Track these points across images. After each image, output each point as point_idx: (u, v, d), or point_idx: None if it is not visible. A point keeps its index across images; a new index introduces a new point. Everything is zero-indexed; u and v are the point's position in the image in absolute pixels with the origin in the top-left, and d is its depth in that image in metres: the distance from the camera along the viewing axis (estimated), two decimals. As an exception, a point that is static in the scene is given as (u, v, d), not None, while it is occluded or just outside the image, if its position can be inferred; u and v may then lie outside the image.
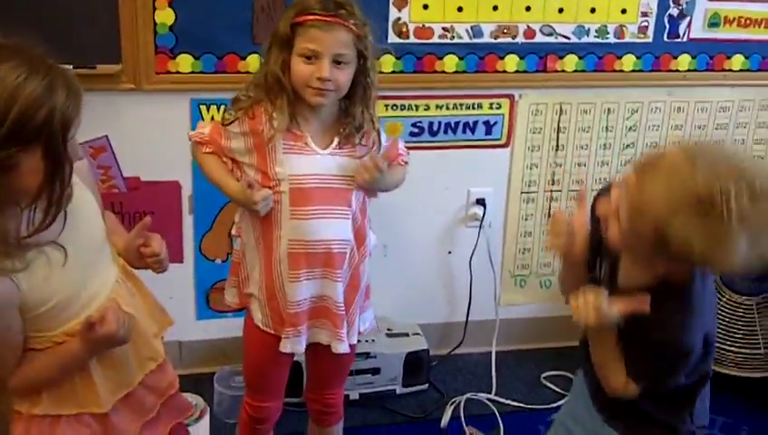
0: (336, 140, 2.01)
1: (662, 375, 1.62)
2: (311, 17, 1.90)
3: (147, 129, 2.56)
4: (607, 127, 2.93)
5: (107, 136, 2.53)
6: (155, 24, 2.45)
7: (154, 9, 2.44)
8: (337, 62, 1.92)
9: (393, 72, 2.66)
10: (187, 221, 2.72)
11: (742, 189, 1.39)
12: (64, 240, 1.55)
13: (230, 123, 2.00)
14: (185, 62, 2.50)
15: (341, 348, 2.12)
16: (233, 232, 2.17)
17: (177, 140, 2.56)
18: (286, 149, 1.97)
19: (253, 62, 2.49)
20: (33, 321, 1.56)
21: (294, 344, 2.10)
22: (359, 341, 2.58)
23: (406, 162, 2.21)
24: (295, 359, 2.21)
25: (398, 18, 2.62)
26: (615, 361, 1.64)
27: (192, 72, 2.51)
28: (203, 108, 2.57)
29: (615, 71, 2.84)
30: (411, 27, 2.64)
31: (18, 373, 1.59)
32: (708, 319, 1.64)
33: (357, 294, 2.13)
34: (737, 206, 1.38)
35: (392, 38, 2.63)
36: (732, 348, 2.83)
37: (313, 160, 1.99)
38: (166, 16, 2.45)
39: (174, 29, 2.46)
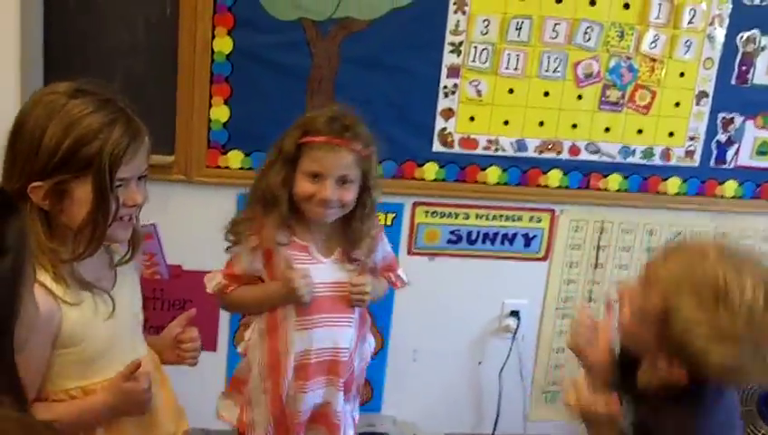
0: (339, 250, 2.18)
1: None
2: (317, 139, 2.07)
3: (193, 219, 2.81)
4: (648, 248, 3.10)
5: (154, 224, 2.78)
6: (209, 120, 2.73)
7: (210, 106, 2.72)
8: (342, 181, 2.08)
9: (435, 179, 2.89)
10: (224, 312, 2.93)
11: (760, 293, 1.42)
12: (115, 297, 1.72)
13: (236, 244, 2.19)
14: (235, 157, 2.77)
15: None
16: (239, 350, 2.33)
17: (221, 231, 2.81)
18: (291, 257, 2.15)
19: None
20: (58, 362, 1.65)
21: None
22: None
23: (400, 282, 2.37)
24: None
25: (444, 128, 2.86)
26: None
27: (241, 168, 2.77)
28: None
29: (659, 193, 3.03)
30: (456, 137, 2.87)
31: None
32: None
33: (352, 395, 2.30)
34: (751, 308, 1.41)
35: (437, 147, 2.87)
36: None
37: (317, 269, 2.15)
38: (221, 113, 2.73)
39: (227, 126, 2.74)
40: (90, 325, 1.67)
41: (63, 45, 2.66)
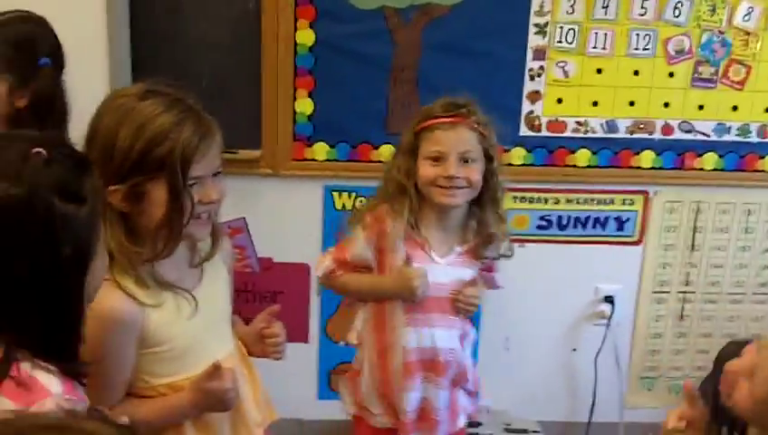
0: (457, 250, 2.19)
1: None
2: (434, 121, 2.11)
3: (281, 212, 2.86)
4: (746, 229, 3.02)
5: (244, 218, 2.83)
6: (294, 113, 2.76)
7: (294, 99, 2.75)
8: (464, 160, 2.10)
9: (523, 164, 2.87)
10: (314, 303, 2.98)
11: None
12: (197, 295, 1.75)
13: (356, 226, 2.21)
14: (320, 149, 2.80)
15: None
16: (353, 341, 2.36)
17: (309, 224, 2.87)
18: (404, 256, 2.17)
19: (385, 151, 2.74)
20: (144, 360, 1.69)
21: None
22: (476, 434, 2.77)
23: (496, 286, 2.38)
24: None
25: (531, 111, 2.83)
26: None
27: (327, 160, 2.80)
28: (335, 194, 2.85)
29: (757, 171, 2.94)
30: (544, 120, 2.84)
31: (117, 411, 1.65)
32: None
33: (461, 392, 2.33)
34: None
35: (524, 131, 2.84)
36: None
37: (431, 269, 2.17)
38: (305, 106, 2.76)
39: (312, 118, 2.77)
40: (173, 325, 1.71)
41: (149, 46, 2.73)
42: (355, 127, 2.77)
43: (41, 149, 1.24)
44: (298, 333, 3.00)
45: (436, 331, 2.21)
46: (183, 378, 1.74)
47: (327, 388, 3.08)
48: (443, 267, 2.19)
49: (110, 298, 1.60)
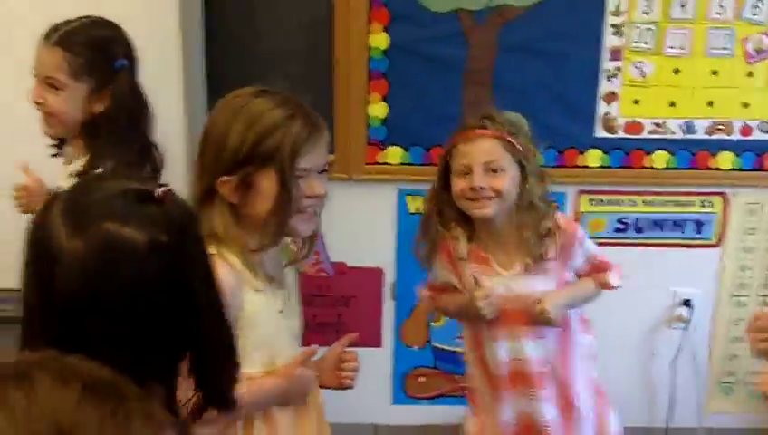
0: (520, 263, 2.18)
1: None
2: (459, 136, 2.14)
3: (355, 216, 2.87)
4: (829, 230, 2.97)
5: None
6: (368, 116, 2.78)
7: (368, 102, 2.77)
8: (491, 170, 2.10)
9: (600, 166, 2.86)
10: (388, 307, 3.00)
11: None
12: (285, 294, 1.81)
13: (431, 265, 2.26)
14: (394, 153, 2.82)
15: None
16: (464, 357, 2.40)
17: (383, 227, 2.89)
18: (473, 271, 2.18)
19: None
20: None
21: None
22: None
23: (610, 285, 2.30)
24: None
25: (607, 113, 2.82)
26: None
27: (400, 164, 2.82)
28: (409, 198, 2.87)
29: (838, 171, 2.89)
30: (621, 122, 2.83)
31: None
32: None
33: (577, 404, 2.28)
34: None
35: (600, 133, 2.83)
36: None
37: (498, 282, 2.17)
38: (379, 109, 2.78)
39: (385, 122, 2.79)
40: (265, 313, 1.76)
41: (222, 52, 2.78)
42: (429, 130, 2.78)
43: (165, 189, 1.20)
44: (371, 338, 3.02)
45: (515, 343, 2.21)
46: (256, 372, 1.76)
47: (402, 393, 3.10)
48: (509, 278, 2.19)
49: (216, 269, 1.65)
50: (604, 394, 2.40)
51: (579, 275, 2.28)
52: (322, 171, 1.76)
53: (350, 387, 1.95)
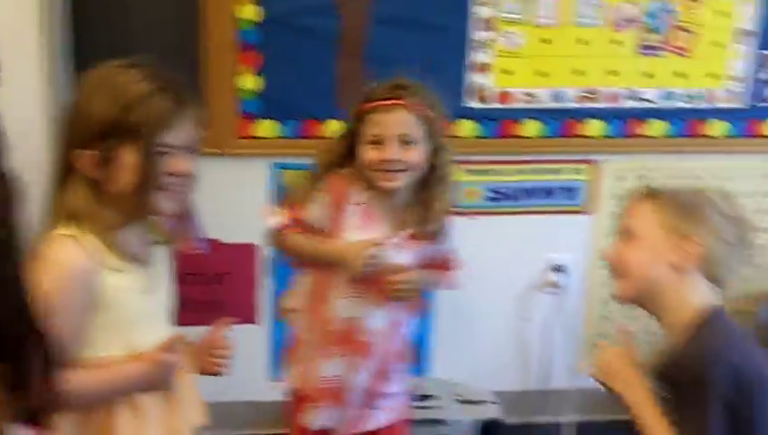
0: (403, 231, 2.17)
1: (700, 426, 1.67)
2: (373, 104, 2.10)
3: (229, 191, 2.82)
4: (695, 194, 3.07)
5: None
6: (240, 89, 2.72)
7: (239, 76, 2.71)
8: (404, 142, 2.09)
9: (472, 136, 2.88)
10: (265, 282, 2.96)
11: None
12: (151, 273, 1.76)
13: (308, 196, 2.19)
14: (268, 127, 2.77)
15: (369, 425, 2.31)
16: (293, 306, 2.34)
17: (257, 202, 2.83)
18: (356, 226, 2.16)
19: (333, 127, 2.72)
20: (93, 328, 1.68)
21: (324, 420, 2.28)
22: (429, 407, 2.79)
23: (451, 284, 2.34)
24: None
25: (479, 83, 2.83)
26: (665, 431, 1.72)
27: (274, 137, 2.77)
28: (283, 172, 2.82)
29: (704, 136, 3.00)
30: (492, 92, 2.85)
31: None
32: (741, 360, 1.70)
33: (386, 380, 2.30)
34: None
35: (472, 103, 2.85)
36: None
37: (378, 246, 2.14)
38: (252, 82, 2.72)
39: (259, 95, 2.73)
40: (126, 293, 1.71)
41: (91, 29, 2.66)
42: (304, 102, 2.74)
43: None
44: (247, 315, 2.98)
45: (368, 309, 2.20)
46: (122, 355, 1.72)
47: (278, 368, 3.07)
48: (388, 245, 2.17)
49: (67, 252, 1.62)
50: (407, 360, 2.42)
51: (430, 265, 2.28)
52: (192, 150, 1.70)
53: (220, 374, 1.90)
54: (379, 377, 2.29)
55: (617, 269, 1.86)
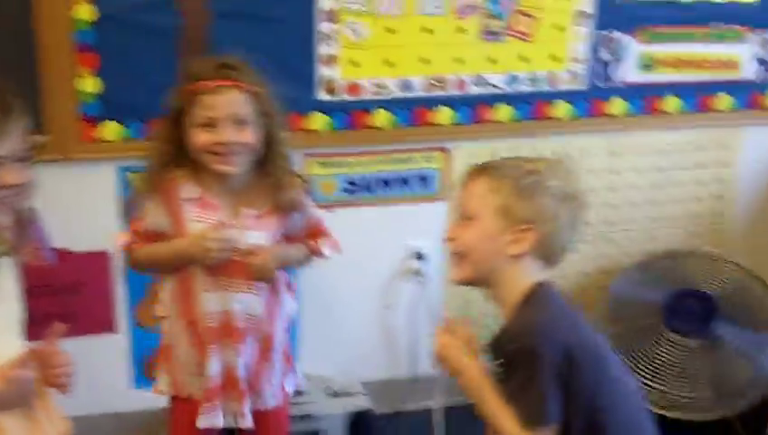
0: (247, 211, 2.16)
1: (533, 397, 1.71)
2: (202, 85, 2.06)
3: (75, 198, 2.74)
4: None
5: (33, 208, 2.68)
6: (80, 92, 2.64)
7: (77, 78, 2.63)
8: (237, 122, 2.07)
9: (324, 129, 2.87)
10: (120, 290, 2.89)
11: None
12: None
13: (142, 206, 2.17)
14: (112, 129, 2.69)
15: (244, 423, 2.28)
16: (160, 313, 2.32)
17: (105, 208, 2.76)
18: (195, 218, 2.14)
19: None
20: None
21: (213, 419, 2.26)
22: (298, 402, 2.78)
23: (321, 252, 2.35)
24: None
25: (327, 75, 2.83)
26: (499, 406, 1.76)
27: (118, 140, 2.70)
28: (130, 175, 2.75)
29: (549, 118, 3.08)
30: (341, 84, 2.85)
31: None
32: (571, 334, 1.75)
33: (268, 364, 2.29)
34: None
35: (322, 96, 2.85)
36: (678, 392, 3.03)
37: (223, 231, 2.13)
38: (91, 84, 2.64)
39: (100, 97, 2.66)
40: None
41: None
42: (147, 103, 2.64)
43: None
44: (104, 324, 2.90)
45: (236, 295, 2.18)
46: None
47: (142, 376, 3.00)
48: (234, 229, 2.15)
49: None
50: (291, 359, 2.43)
51: (294, 238, 2.29)
52: (22, 159, 1.65)
53: (63, 391, 1.79)
54: (263, 364, 2.28)
55: (455, 252, 1.87)
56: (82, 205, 2.76)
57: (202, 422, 2.25)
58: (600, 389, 1.77)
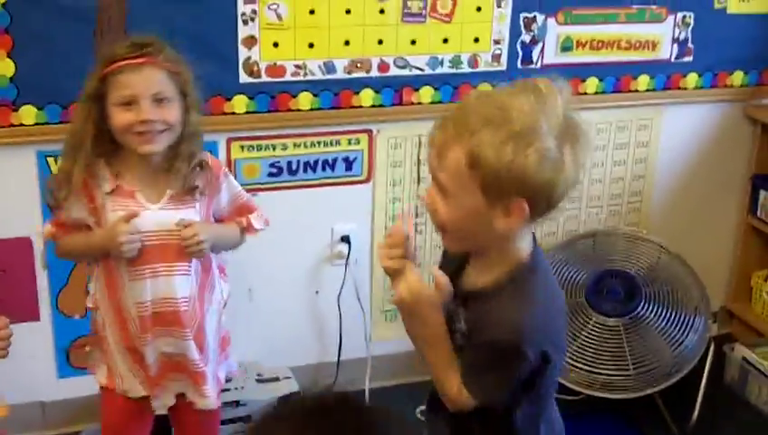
0: (168, 193, 2.16)
1: (494, 381, 1.65)
2: (119, 64, 2.04)
3: (-7, 184, 2.69)
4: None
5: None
6: (-6, 76, 2.60)
7: (-9, 61, 2.59)
8: (158, 100, 2.06)
9: (247, 112, 2.87)
10: (41, 277, 2.85)
11: None
12: None
13: (60, 204, 2.14)
14: (28, 113, 2.65)
15: (206, 404, 2.29)
16: (89, 304, 2.30)
17: (26, 194, 2.72)
18: (115, 207, 2.12)
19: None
20: None
21: (165, 401, 2.29)
22: (227, 389, 2.78)
23: (253, 227, 2.34)
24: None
25: (249, 57, 2.83)
26: (449, 365, 1.69)
27: (36, 124, 2.66)
28: (50, 159, 2.71)
29: (471, 100, 3.10)
30: (263, 66, 2.85)
31: None
32: (552, 335, 1.67)
33: (206, 348, 2.28)
34: None
35: (243, 78, 2.84)
36: (602, 371, 3.09)
37: (143, 217, 2.12)
38: (4, 67, 2.60)
39: (14, 80, 2.61)
40: None
41: None
42: (64, 84, 2.63)
43: None
44: (28, 312, 2.86)
45: (161, 280, 2.17)
46: None
47: (66, 365, 2.97)
48: (156, 212, 2.14)
49: None
50: (228, 341, 2.44)
51: (224, 219, 2.29)
52: None
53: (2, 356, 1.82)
54: (200, 345, 2.26)
55: (435, 222, 1.64)
56: (2, 191, 2.71)
57: (157, 407, 2.29)
58: (554, 380, 1.75)
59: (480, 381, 1.67)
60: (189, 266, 2.20)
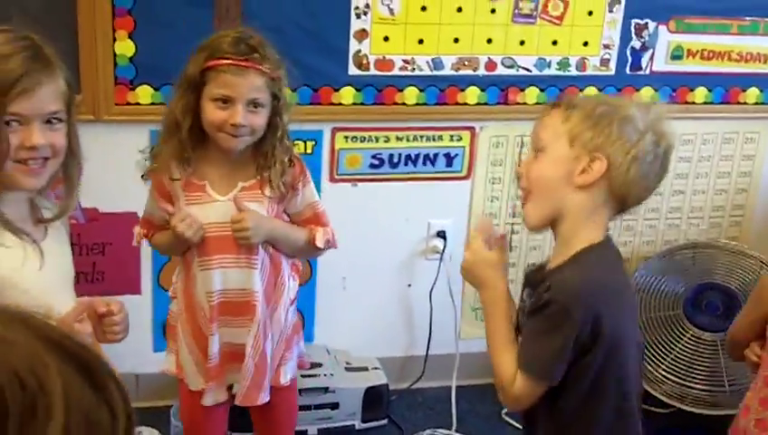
0: (240, 185, 2.19)
1: (546, 350, 1.69)
2: (224, 62, 2.07)
3: (106, 160, 2.78)
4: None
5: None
6: (115, 55, 2.70)
7: (114, 40, 2.69)
8: (252, 106, 2.09)
9: (353, 103, 2.92)
10: (146, 252, 2.94)
11: None
12: (44, 249, 1.72)
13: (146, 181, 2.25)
14: (144, 93, 2.75)
15: (259, 399, 2.32)
16: (171, 294, 2.39)
17: (135, 171, 2.80)
18: (187, 200, 2.18)
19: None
20: None
21: (216, 395, 2.32)
22: (317, 375, 2.83)
23: (320, 242, 2.32)
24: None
25: (359, 50, 2.88)
26: (506, 341, 1.76)
27: (152, 104, 2.76)
28: (161, 139, 2.80)
29: (577, 103, 3.10)
30: (372, 59, 2.90)
31: None
32: (605, 302, 1.70)
33: (271, 343, 2.31)
34: None
35: (352, 70, 2.89)
36: (695, 385, 3.06)
37: (212, 208, 2.18)
38: (126, 48, 2.70)
39: (133, 60, 2.72)
40: (22, 271, 1.67)
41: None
42: (178, 68, 2.71)
43: None
44: (129, 285, 2.97)
45: (227, 271, 2.21)
46: None
47: (162, 340, 3.05)
48: (225, 204, 2.19)
49: None
50: (293, 347, 2.45)
51: (294, 222, 2.32)
52: (52, 121, 1.66)
53: (114, 341, 1.84)
54: (269, 340, 2.30)
55: (522, 187, 1.78)
56: (113, 166, 2.80)
57: (207, 400, 2.31)
58: (611, 362, 1.74)
59: (531, 349, 1.72)
60: (256, 259, 2.22)
